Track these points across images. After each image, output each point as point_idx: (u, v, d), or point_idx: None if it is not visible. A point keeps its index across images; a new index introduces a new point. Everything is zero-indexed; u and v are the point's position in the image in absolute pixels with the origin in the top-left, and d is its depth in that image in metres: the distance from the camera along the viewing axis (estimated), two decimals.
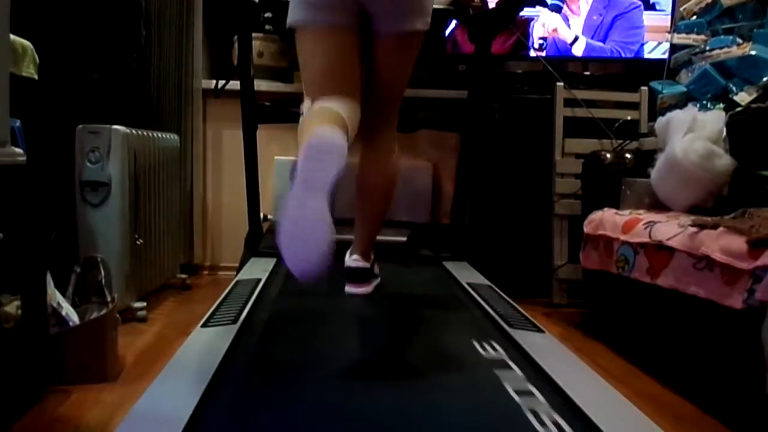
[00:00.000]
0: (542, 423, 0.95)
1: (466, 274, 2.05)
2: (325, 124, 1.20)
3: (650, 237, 1.71)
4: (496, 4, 2.57)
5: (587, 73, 2.78)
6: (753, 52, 2.01)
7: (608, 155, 2.31)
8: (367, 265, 1.70)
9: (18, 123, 1.50)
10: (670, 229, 1.65)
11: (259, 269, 2.01)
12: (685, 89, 2.22)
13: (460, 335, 1.39)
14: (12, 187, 1.39)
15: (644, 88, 2.57)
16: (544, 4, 2.62)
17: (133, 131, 2.12)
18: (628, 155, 2.29)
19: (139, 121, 2.44)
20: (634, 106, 2.60)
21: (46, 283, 1.52)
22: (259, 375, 1.12)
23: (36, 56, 1.72)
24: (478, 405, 1.04)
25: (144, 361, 1.72)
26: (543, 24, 2.70)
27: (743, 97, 1.99)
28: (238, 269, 2.18)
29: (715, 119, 1.88)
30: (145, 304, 2.15)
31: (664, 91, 2.31)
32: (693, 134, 1.86)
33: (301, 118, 1.41)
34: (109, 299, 1.76)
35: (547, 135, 2.59)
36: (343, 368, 1.18)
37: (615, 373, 1.75)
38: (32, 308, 1.45)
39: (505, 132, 2.62)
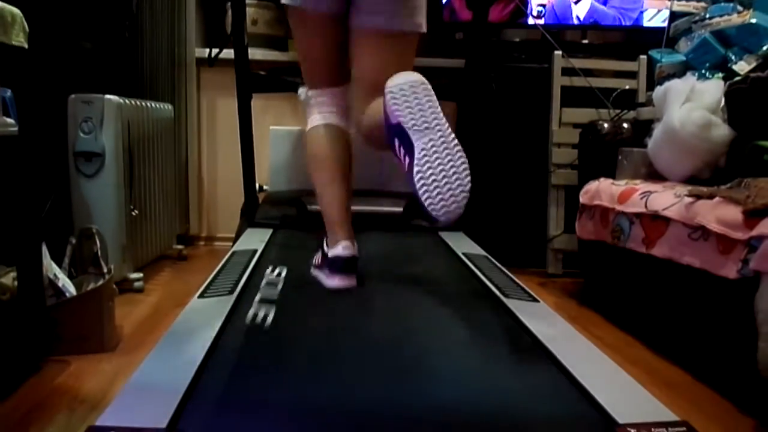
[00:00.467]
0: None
1: (461, 244, 2.05)
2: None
3: (646, 207, 1.71)
4: None
5: (586, 41, 2.75)
6: (753, 20, 1.98)
7: (605, 125, 2.29)
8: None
9: (9, 93, 1.48)
10: (666, 199, 1.65)
11: (255, 240, 2.01)
12: (683, 58, 2.20)
13: (454, 305, 1.40)
14: (4, 158, 1.38)
15: (643, 57, 2.54)
16: None
17: (127, 101, 2.10)
18: (625, 125, 2.28)
19: (132, 90, 2.41)
20: (633, 75, 2.58)
21: (41, 255, 1.52)
22: (256, 345, 1.13)
23: (26, 24, 1.69)
24: (471, 372, 1.05)
25: (141, 332, 1.74)
26: None
27: (742, 67, 1.97)
28: (235, 240, 2.18)
29: (713, 89, 1.86)
30: (141, 275, 2.16)
31: (662, 60, 2.29)
32: (691, 104, 1.85)
33: (303, 103, 1.40)
34: (105, 270, 1.77)
35: (545, 104, 2.58)
36: (340, 337, 1.19)
37: (609, 341, 1.77)
38: (28, 279, 1.45)
39: (502, 101, 2.60)
